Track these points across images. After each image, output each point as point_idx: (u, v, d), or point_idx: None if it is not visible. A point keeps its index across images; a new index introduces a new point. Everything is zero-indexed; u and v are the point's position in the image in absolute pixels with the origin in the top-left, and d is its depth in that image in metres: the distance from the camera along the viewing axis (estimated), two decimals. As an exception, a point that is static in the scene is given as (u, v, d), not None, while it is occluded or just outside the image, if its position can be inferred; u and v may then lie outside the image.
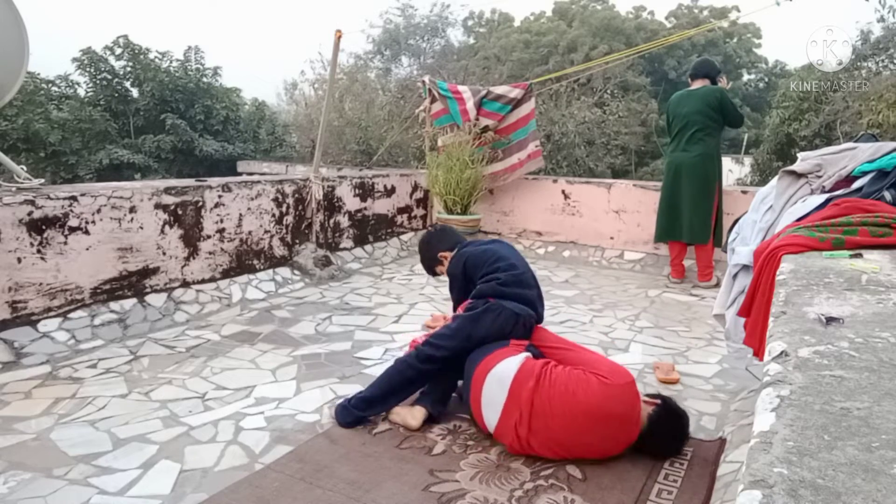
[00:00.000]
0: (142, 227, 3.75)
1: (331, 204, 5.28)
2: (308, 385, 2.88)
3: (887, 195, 2.24)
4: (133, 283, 3.71)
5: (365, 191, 5.67)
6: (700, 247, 4.90)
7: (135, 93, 10.98)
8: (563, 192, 6.09)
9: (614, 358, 3.33)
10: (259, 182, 4.64)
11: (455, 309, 2.80)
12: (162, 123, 10.48)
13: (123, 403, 2.65)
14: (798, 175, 2.63)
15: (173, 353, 3.26)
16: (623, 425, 2.15)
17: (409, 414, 2.45)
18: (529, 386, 2.17)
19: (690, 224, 4.82)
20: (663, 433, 2.21)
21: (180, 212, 3.98)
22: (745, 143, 14.26)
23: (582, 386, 2.15)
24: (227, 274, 4.31)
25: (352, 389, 2.83)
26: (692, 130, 4.78)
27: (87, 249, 3.47)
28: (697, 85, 4.89)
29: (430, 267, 3.06)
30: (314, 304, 4.24)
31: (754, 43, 23.76)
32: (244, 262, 4.46)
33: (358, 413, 2.46)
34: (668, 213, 4.96)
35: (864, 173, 2.44)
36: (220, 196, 4.25)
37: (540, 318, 2.64)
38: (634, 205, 5.71)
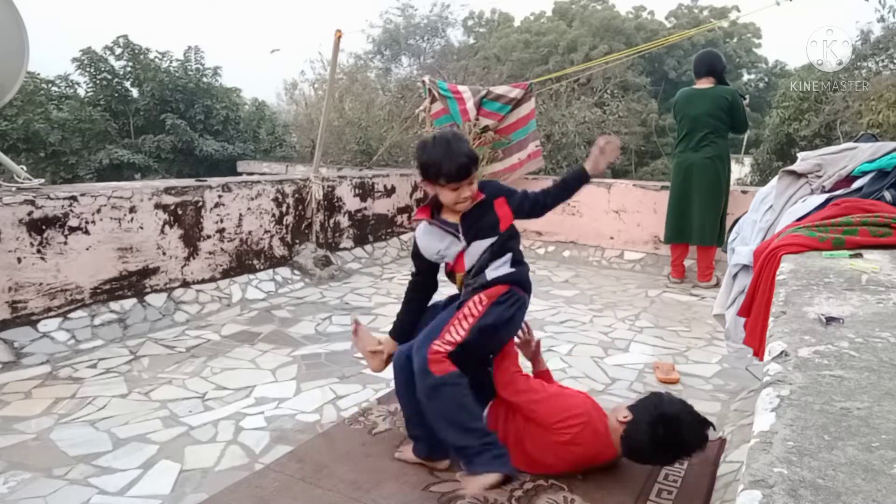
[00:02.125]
0: (142, 227, 3.75)
1: (331, 204, 5.28)
2: (308, 385, 2.88)
3: (887, 195, 2.24)
4: (133, 283, 3.71)
5: (365, 191, 5.67)
6: (704, 247, 4.89)
7: (135, 93, 10.98)
8: (563, 192, 6.07)
9: (615, 357, 3.33)
10: (259, 182, 4.64)
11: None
12: (162, 123, 10.48)
13: (123, 403, 2.65)
14: (798, 175, 2.63)
15: (173, 353, 3.26)
16: (592, 460, 2.07)
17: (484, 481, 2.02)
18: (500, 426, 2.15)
19: (702, 226, 4.80)
20: (636, 449, 2.00)
21: (180, 212, 3.98)
22: (745, 143, 14.24)
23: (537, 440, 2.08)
24: (227, 274, 4.31)
25: (352, 389, 2.83)
26: (703, 132, 4.72)
27: (87, 249, 3.47)
28: (704, 84, 4.78)
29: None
30: (314, 304, 4.24)
31: (754, 43, 23.76)
32: (244, 262, 4.46)
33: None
34: (677, 215, 4.92)
35: (864, 173, 2.44)
36: (220, 196, 4.25)
37: None
38: (634, 205, 5.71)
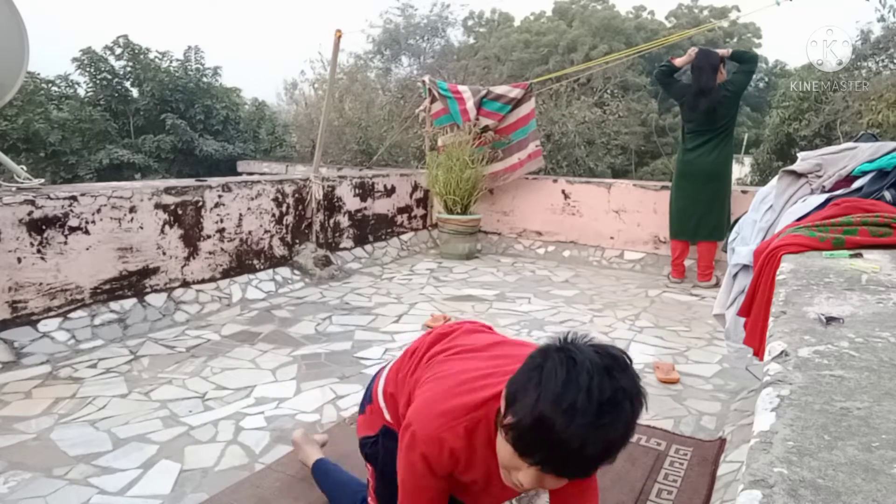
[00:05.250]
0: (142, 227, 3.75)
1: (331, 204, 5.28)
2: (308, 385, 2.88)
3: (887, 195, 2.24)
4: (133, 283, 3.71)
5: (365, 191, 5.67)
6: (706, 246, 4.91)
7: (135, 93, 10.97)
8: (563, 191, 6.08)
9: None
10: (259, 182, 4.64)
11: None
12: (162, 123, 10.48)
13: (123, 403, 2.65)
14: (798, 175, 2.63)
15: (173, 352, 3.26)
16: None
17: None
18: None
19: (708, 223, 4.83)
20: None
21: (180, 212, 3.98)
22: (745, 143, 14.25)
23: None
24: (227, 274, 4.31)
25: (352, 389, 2.83)
26: (711, 134, 4.77)
27: (87, 249, 3.47)
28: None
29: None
30: (314, 303, 4.24)
31: (754, 43, 23.74)
32: (244, 261, 4.46)
33: None
34: (683, 212, 4.95)
35: (864, 173, 2.44)
36: (220, 196, 4.25)
37: None
38: (634, 205, 5.71)
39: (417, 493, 1.29)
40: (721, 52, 4.77)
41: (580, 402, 0.97)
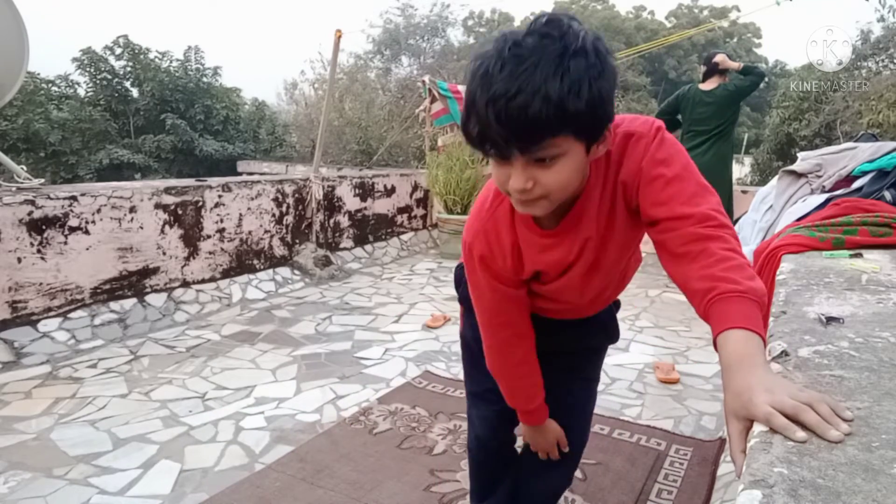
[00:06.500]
0: (142, 227, 3.75)
1: (331, 204, 5.28)
2: (308, 385, 2.88)
3: (887, 195, 2.23)
4: (133, 283, 3.71)
5: (365, 191, 5.67)
6: None
7: (135, 93, 10.99)
8: (563, 191, 6.08)
9: (615, 357, 3.33)
10: (259, 182, 4.64)
11: None
12: (162, 123, 10.49)
13: (123, 403, 2.65)
14: (798, 175, 2.63)
15: (173, 352, 3.26)
16: None
17: None
18: None
19: None
20: None
21: (180, 212, 3.98)
22: (745, 143, 14.25)
23: None
24: (227, 274, 4.31)
25: (352, 389, 2.83)
26: (708, 133, 4.80)
27: (87, 249, 3.47)
28: (711, 85, 4.86)
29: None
30: (314, 303, 4.24)
31: (754, 43, 23.79)
32: (244, 261, 4.46)
33: None
34: None
35: (864, 173, 2.44)
36: (220, 196, 4.25)
37: None
38: (634, 205, 5.71)
39: (492, 309, 1.28)
40: (733, 65, 4.82)
41: (492, 63, 0.88)
